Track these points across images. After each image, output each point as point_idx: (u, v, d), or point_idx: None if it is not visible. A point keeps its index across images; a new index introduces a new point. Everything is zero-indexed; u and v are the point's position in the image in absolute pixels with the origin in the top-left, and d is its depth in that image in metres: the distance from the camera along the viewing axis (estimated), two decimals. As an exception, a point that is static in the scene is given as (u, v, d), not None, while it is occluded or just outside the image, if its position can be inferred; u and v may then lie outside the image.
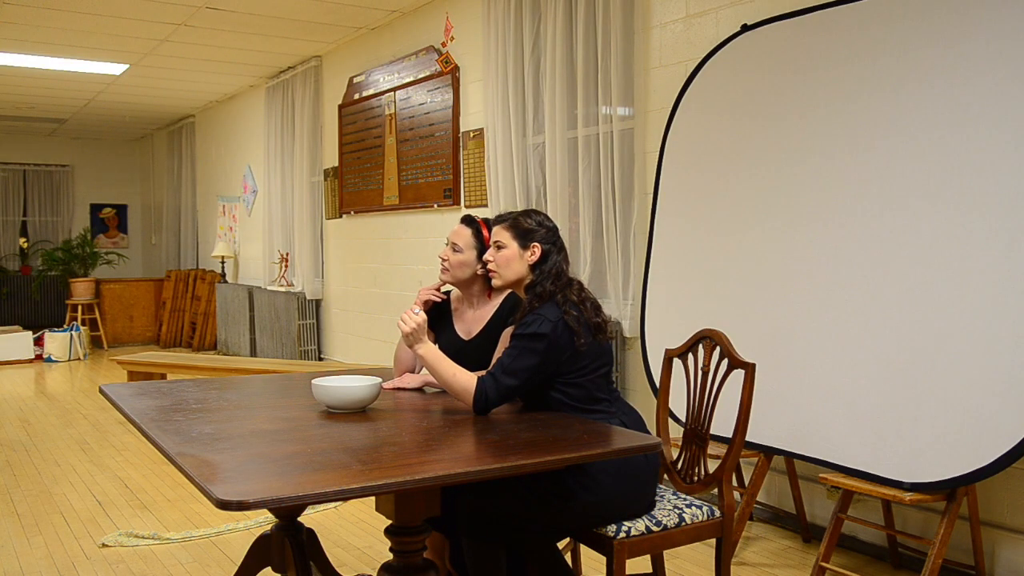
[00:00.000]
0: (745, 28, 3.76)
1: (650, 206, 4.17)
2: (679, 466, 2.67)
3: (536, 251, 2.47)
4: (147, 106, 10.55)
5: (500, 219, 2.58)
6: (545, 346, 2.31)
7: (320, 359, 7.99)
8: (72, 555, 3.61)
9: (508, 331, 2.61)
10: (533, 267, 2.48)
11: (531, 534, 2.37)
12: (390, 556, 2.25)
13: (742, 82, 3.75)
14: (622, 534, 2.28)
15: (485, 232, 2.75)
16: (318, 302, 8.09)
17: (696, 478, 2.61)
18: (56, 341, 9.83)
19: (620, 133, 4.54)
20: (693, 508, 2.45)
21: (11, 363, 9.53)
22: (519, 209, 5.16)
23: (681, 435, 2.71)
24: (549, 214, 4.92)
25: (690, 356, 2.70)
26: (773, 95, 3.57)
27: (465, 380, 2.33)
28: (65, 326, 10.45)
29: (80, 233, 12.67)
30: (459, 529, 2.34)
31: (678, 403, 2.87)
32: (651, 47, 4.40)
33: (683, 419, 2.74)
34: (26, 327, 10.21)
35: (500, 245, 2.50)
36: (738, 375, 2.52)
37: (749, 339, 3.02)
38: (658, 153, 4.12)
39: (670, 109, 4.08)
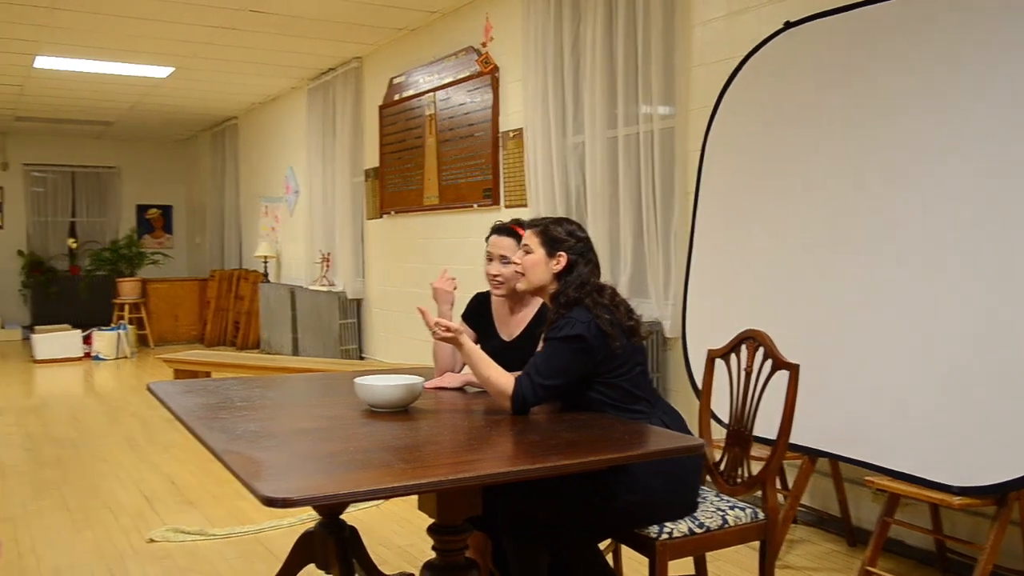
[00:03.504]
0: (788, 25, 3.72)
1: (691, 205, 4.14)
2: (721, 467, 2.65)
3: (562, 260, 2.47)
4: (191, 108, 10.71)
5: (533, 223, 2.59)
6: (579, 348, 2.32)
7: (361, 358, 8.05)
8: (120, 549, 3.67)
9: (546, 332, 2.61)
10: (558, 276, 2.48)
11: (573, 535, 2.37)
12: (432, 554, 2.26)
13: (785, 80, 3.71)
14: (664, 535, 2.27)
15: (521, 231, 2.76)
16: (359, 302, 8.15)
17: (739, 480, 2.59)
18: (104, 339, 10.02)
19: (661, 132, 4.52)
20: (736, 510, 2.43)
21: (61, 361, 9.73)
22: (559, 209, 5.18)
23: (723, 436, 2.69)
24: (589, 214, 4.95)
25: (733, 357, 2.67)
26: (817, 93, 3.53)
27: (503, 380, 2.34)
28: (112, 325, 10.65)
29: (127, 233, 12.91)
30: (501, 529, 2.35)
31: (720, 404, 2.85)
32: (692, 45, 4.37)
33: (725, 420, 2.72)
34: (75, 326, 10.42)
35: (528, 249, 2.52)
36: (782, 376, 2.49)
37: (792, 340, 2.98)
38: (699, 152, 4.10)
39: (711, 108, 4.05)
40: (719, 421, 3.15)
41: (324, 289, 8.49)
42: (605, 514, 2.29)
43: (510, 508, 2.30)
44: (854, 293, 3.26)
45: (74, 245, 12.88)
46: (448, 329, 2.41)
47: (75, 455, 5.41)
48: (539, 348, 2.47)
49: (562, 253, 2.48)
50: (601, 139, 4.86)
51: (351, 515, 3.96)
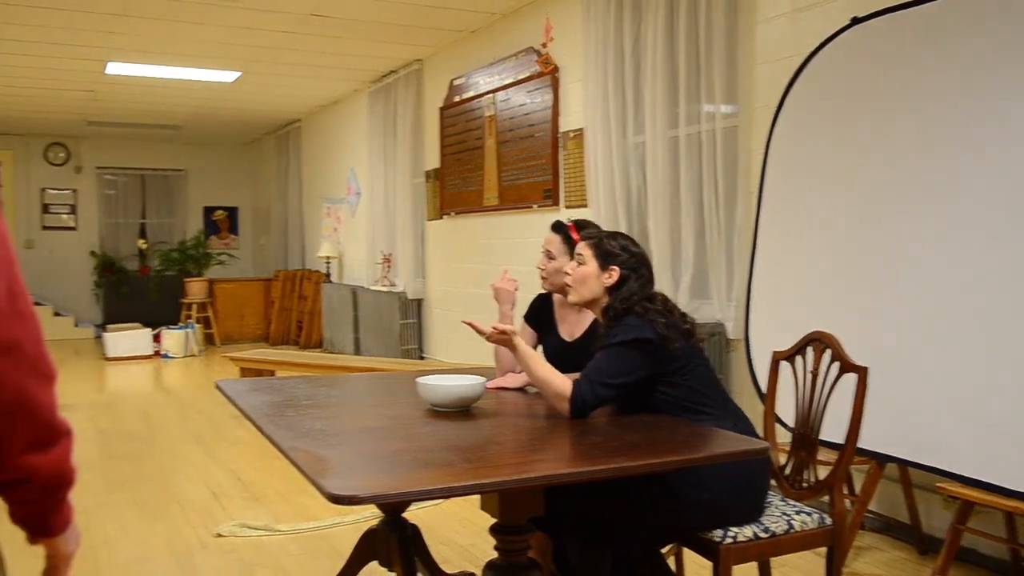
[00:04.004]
0: (855, 21, 3.65)
1: (755, 205, 4.08)
2: (787, 471, 2.62)
3: (614, 274, 2.46)
4: (256, 112, 10.92)
5: (588, 235, 2.58)
6: (638, 350, 2.31)
7: (421, 358, 8.12)
8: (189, 543, 3.77)
9: None
10: (609, 290, 2.47)
11: (636, 536, 2.36)
12: (492, 554, 2.27)
13: (852, 77, 3.64)
14: (728, 539, 2.24)
15: (575, 235, 2.76)
16: (419, 302, 8.22)
17: (805, 484, 2.55)
18: (173, 338, 10.27)
19: (723, 131, 4.47)
20: (802, 515, 2.39)
21: (132, 359, 10.00)
22: (619, 209, 5.16)
23: (788, 440, 2.65)
24: (650, 214, 4.92)
25: (799, 359, 2.63)
26: (885, 90, 3.45)
27: (560, 382, 2.33)
28: (181, 324, 10.91)
29: (194, 235, 13.23)
30: (564, 530, 2.35)
31: (784, 407, 2.81)
32: (756, 43, 4.32)
33: (790, 423, 2.68)
34: (145, 324, 10.70)
35: (580, 261, 2.51)
36: (849, 379, 2.45)
37: (860, 341, 2.92)
38: (763, 151, 4.04)
39: (776, 106, 3.99)
40: (783, 424, 3.10)
41: (385, 289, 8.58)
42: (669, 516, 2.27)
43: (573, 509, 2.30)
44: (925, 294, 3.18)
45: (144, 246, 13.22)
46: (502, 332, 2.42)
47: (145, 450, 5.56)
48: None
49: (615, 267, 2.46)
50: (662, 139, 4.83)
51: (412, 513, 3.99)
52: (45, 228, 12.71)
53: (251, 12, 6.34)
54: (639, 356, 2.31)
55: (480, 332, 2.49)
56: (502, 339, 2.45)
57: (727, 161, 4.45)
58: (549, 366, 2.41)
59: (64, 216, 12.88)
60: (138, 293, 12.66)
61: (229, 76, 8.58)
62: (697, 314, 4.53)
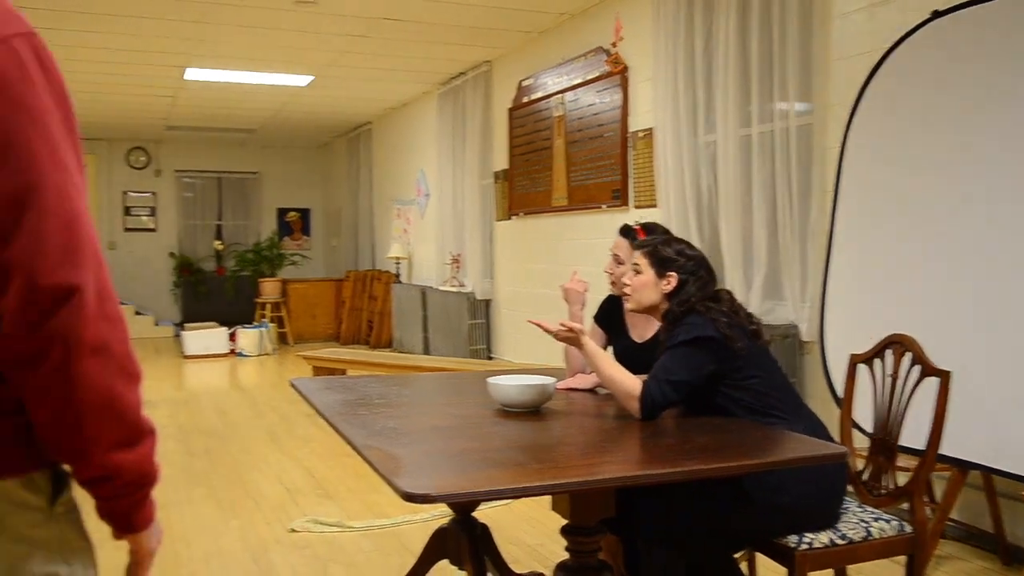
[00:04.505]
0: (936, 14, 3.54)
1: (830, 204, 4.00)
2: (864, 477, 2.55)
3: (672, 281, 2.45)
4: (329, 115, 11.11)
5: (642, 244, 2.57)
6: (701, 347, 2.29)
7: (489, 358, 8.15)
8: (264, 539, 3.85)
9: None
10: (669, 296, 2.45)
11: (709, 541, 2.33)
12: (562, 555, 2.27)
13: (932, 73, 3.53)
14: (804, 545, 2.20)
15: (643, 234, 2.75)
16: (488, 302, 8.26)
17: (883, 491, 2.48)
18: (247, 337, 10.51)
19: (797, 129, 4.38)
20: (880, 522, 2.33)
21: (208, 357, 10.27)
22: (690, 209, 5.10)
23: (866, 445, 2.59)
24: (721, 214, 4.85)
25: (877, 362, 2.57)
26: (967, 86, 3.34)
27: (629, 382, 2.32)
28: (255, 323, 11.16)
29: (268, 236, 13.52)
30: (635, 533, 2.33)
31: (862, 411, 2.74)
32: (831, 39, 4.22)
33: (868, 428, 2.62)
34: (221, 323, 10.98)
35: (637, 269, 2.50)
36: (930, 383, 2.38)
37: (941, 344, 2.84)
38: (839, 149, 3.95)
39: (852, 103, 3.90)
40: (860, 429, 3.03)
41: (454, 290, 8.64)
42: (744, 521, 2.24)
43: (645, 512, 2.28)
44: (1010, 294, 3.07)
45: (220, 247, 13.55)
46: (570, 330, 2.42)
47: (222, 446, 5.70)
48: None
49: (672, 273, 2.45)
50: (734, 137, 4.76)
51: (482, 512, 4.00)
52: (127, 230, 13.12)
53: (324, 17, 6.45)
54: (703, 354, 2.30)
55: (547, 331, 2.49)
56: (570, 337, 2.45)
57: (801, 160, 4.37)
58: (618, 365, 2.40)
59: (144, 218, 13.28)
60: (215, 293, 12.99)
61: (303, 80, 8.75)
62: (770, 315, 4.46)
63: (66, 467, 1.07)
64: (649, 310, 2.51)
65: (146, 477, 1.10)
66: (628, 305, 2.55)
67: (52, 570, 1.04)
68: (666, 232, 2.81)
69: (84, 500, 1.09)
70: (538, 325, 2.51)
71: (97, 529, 1.12)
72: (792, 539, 2.21)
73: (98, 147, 12.74)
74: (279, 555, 3.64)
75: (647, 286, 2.48)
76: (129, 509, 1.11)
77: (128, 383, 1.04)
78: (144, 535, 1.15)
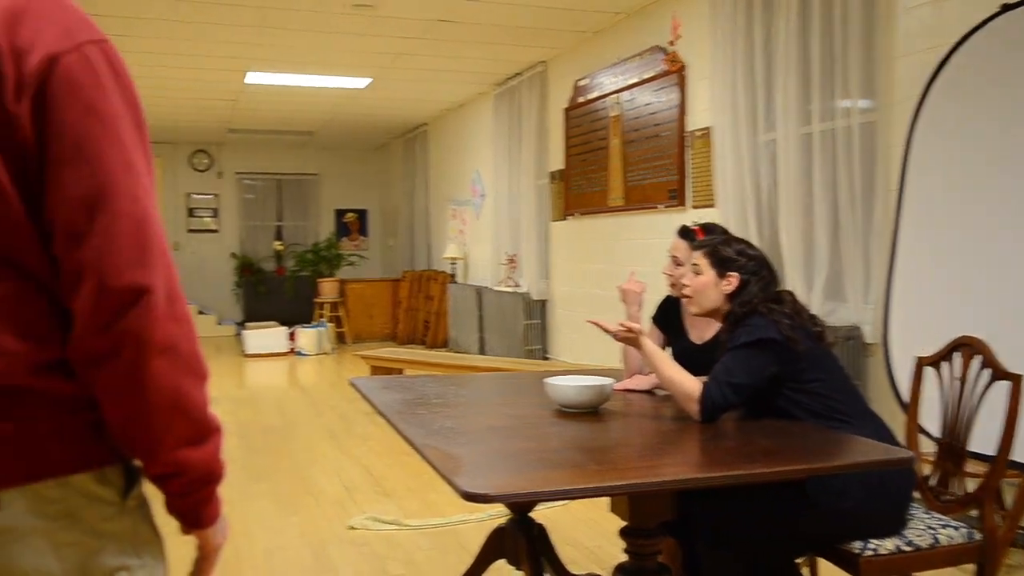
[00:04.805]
0: (1005, 8, 3.43)
1: (894, 204, 3.91)
2: (931, 483, 2.49)
3: (733, 281, 2.41)
4: (386, 116, 11.22)
5: (701, 244, 2.54)
6: (763, 349, 2.26)
7: (545, 359, 8.14)
8: (323, 535, 3.90)
9: None
10: (730, 296, 2.42)
11: (771, 545, 2.29)
12: (619, 557, 2.26)
13: (1001, 68, 3.43)
14: (869, 551, 2.15)
15: (701, 234, 2.72)
16: (543, 303, 8.25)
17: (951, 497, 2.42)
18: (306, 336, 10.67)
19: (860, 127, 4.29)
20: (948, 529, 2.27)
21: (269, 355, 10.44)
22: (749, 209, 5.03)
23: (932, 450, 2.52)
24: (781, 213, 4.77)
25: (944, 365, 2.50)
26: (1040, 79, 3.24)
27: (689, 383, 2.29)
28: (314, 322, 11.32)
29: (327, 236, 13.71)
30: (695, 537, 2.30)
31: (928, 415, 2.67)
32: (895, 34, 4.13)
33: (935, 433, 2.55)
34: (281, 323, 11.16)
35: (697, 271, 2.46)
36: (1001, 387, 2.31)
37: (1012, 347, 2.76)
38: (903, 147, 3.86)
39: (917, 100, 3.80)
40: (926, 434, 2.95)
41: (509, 290, 8.65)
42: (807, 525, 2.20)
43: (704, 515, 2.26)
44: (1085, 297, 2.97)
45: (280, 247, 13.77)
46: (629, 330, 2.41)
47: (282, 444, 5.79)
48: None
49: (733, 273, 2.41)
50: (794, 136, 4.68)
51: (539, 513, 4.00)
52: (190, 231, 13.41)
53: (382, 19, 6.51)
54: (764, 356, 2.26)
55: (606, 331, 2.48)
56: (629, 337, 2.43)
57: (864, 158, 4.28)
58: (678, 366, 2.37)
59: (207, 219, 13.56)
60: (275, 293, 13.20)
61: (361, 83, 8.85)
62: (832, 316, 4.38)
63: (137, 462, 1.09)
64: (710, 312, 2.48)
65: (212, 474, 1.12)
66: (689, 308, 2.52)
67: (124, 562, 1.06)
68: (725, 232, 2.77)
69: (154, 495, 1.12)
70: (597, 325, 2.50)
71: (163, 523, 1.15)
72: (856, 545, 2.16)
73: (162, 150, 13.04)
74: (338, 552, 3.69)
75: (708, 287, 2.45)
76: (196, 505, 1.13)
77: (195, 382, 1.07)
78: (210, 531, 1.17)
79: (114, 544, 1.05)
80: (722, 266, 2.43)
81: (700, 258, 2.48)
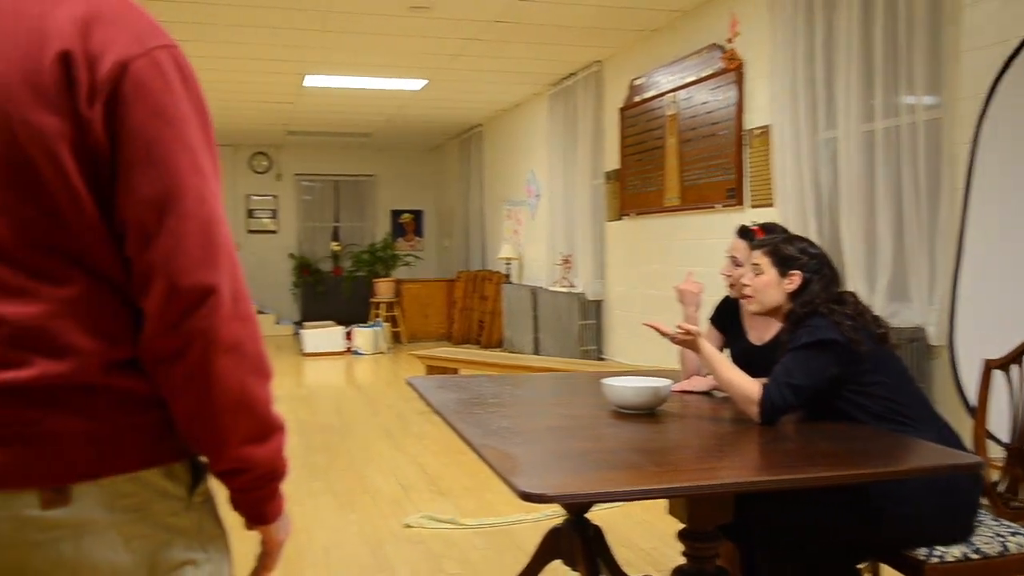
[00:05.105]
0: (1080, -1, 3.33)
1: (960, 202, 3.81)
2: (1000, 490, 2.42)
3: (795, 279, 2.37)
4: (441, 118, 11.29)
5: (762, 243, 2.50)
6: (825, 350, 2.22)
7: (600, 359, 8.11)
8: (380, 533, 3.93)
9: None
10: (792, 295, 2.37)
11: (832, 551, 2.25)
12: (676, 560, 2.24)
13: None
14: (935, 559, 2.10)
15: (761, 233, 2.69)
16: (599, 303, 8.22)
17: (1021, 504, 2.35)
18: (363, 336, 10.79)
19: (925, 124, 4.20)
20: (1019, 537, 2.20)
21: (326, 355, 10.58)
22: (808, 208, 4.95)
23: (1001, 456, 2.45)
24: (842, 212, 4.69)
25: (1014, 367, 2.43)
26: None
27: (748, 384, 2.26)
28: (370, 322, 11.44)
29: (383, 237, 13.84)
30: (754, 541, 2.28)
31: (996, 420, 2.60)
32: (962, 28, 4.02)
33: (1003, 438, 2.48)
34: (338, 322, 11.30)
35: (758, 270, 2.43)
36: (1075, 391, 2.24)
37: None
38: (970, 145, 3.76)
39: (984, 96, 3.70)
40: (994, 438, 2.87)
41: (564, 290, 8.64)
42: (870, 531, 2.15)
43: (764, 519, 2.23)
44: None
45: (337, 248, 13.94)
46: (687, 332, 2.38)
47: (339, 442, 5.86)
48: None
49: (795, 272, 2.38)
50: (856, 133, 4.59)
51: (594, 514, 4.00)
52: (250, 232, 13.65)
53: (438, 21, 6.55)
54: (825, 357, 2.22)
55: (664, 333, 2.46)
56: (687, 339, 2.41)
57: (929, 156, 4.18)
58: (736, 368, 2.34)
59: (266, 220, 13.79)
60: (332, 293, 13.36)
61: (417, 84, 8.92)
62: (896, 318, 4.28)
63: (203, 459, 1.12)
64: (772, 312, 2.44)
65: (276, 471, 1.14)
66: (750, 307, 2.49)
67: (191, 556, 1.09)
68: (785, 231, 2.73)
69: (218, 491, 1.14)
70: (654, 328, 2.48)
71: (227, 519, 1.17)
72: (922, 552, 2.11)
73: (223, 153, 13.11)
74: (395, 549, 3.72)
75: (769, 286, 2.41)
76: (260, 501, 1.15)
77: (260, 380, 1.08)
78: (274, 527, 1.19)
79: (182, 538, 1.08)
80: (784, 264, 2.40)
81: (761, 257, 2.45)
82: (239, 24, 6.53)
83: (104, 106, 0.98)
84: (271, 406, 1.11)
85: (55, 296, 0.99)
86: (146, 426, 1.05)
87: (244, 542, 1.27)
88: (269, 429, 1.11)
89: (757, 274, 2.44)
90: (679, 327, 2.42)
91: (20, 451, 0.98)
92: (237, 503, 1.14)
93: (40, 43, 0.97)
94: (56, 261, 0.99)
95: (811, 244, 2.46)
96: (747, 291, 2.47)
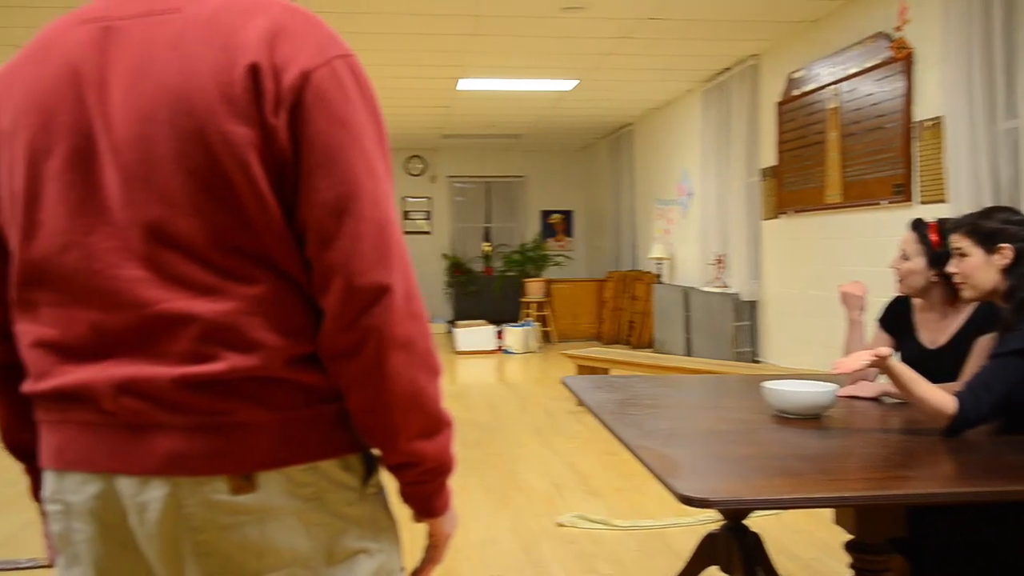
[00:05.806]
0: None
1: None
2: None
3: (1007, 253, 2.17)
4: (591, 117, 11.28)
5: (958, 224, 2.32)
6: None
7: (755, 361, 7.89)
8: (532, 530, 3.97)
9: (982, 340, 2.35)
10: (1008, 271, 2.18)
11: (1012, 572, 2.10)
12: (838, 571, 2.15)
13: None
14: None
15: (933, 235, 2.52)
16: (754, 303, 8.00)
17: None
18: (513, 335, 10.92)
19: (1122, 110, 3.85)
20: None
21: (478, 353, 10.78)
22: (985, 203, 4.64)
23: None
24: (1023, 208, 4.37)
25: None
26: None
27: (940, 397, 2.08)
28: (521, 321, 11.56)
29: (533, 237, 13.97)
30: (929, 557, 2.15)
31: None
32: None
33: None
34: (489, 321, 11.49)
35: (962, 253, 2.24)
36: None
37: None
38: None
39: None
40: None
41: (717, 290, 8.45)
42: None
43: (940, 534, 2.10)
44: None
45: (488, 248, 14.17)
46: (878, 356, 2.21)
47: (492, 439, 5.95)
48: (978, 350, 2.22)
49: (1004, 244, 2.18)
50: (1041, 123, 4.27)
51: (750, 521, 3.90)
52: (405, 233, 13.84)
53: (590, 20, 6.55)
54: None
55: (856, 370, 2.25)
56: (878, 363, 2.23)
57: None
58: (929, 384, 2.11)
59: (421, 221, 14.19)
60: (483, 292, 13.60)
61: (568, 84, 8.94)
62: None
63: (375, 451, 1.16)
64: (989, 294, 2.24)
65: (444, 466, 1.17)
66: (965, 294, 2.29)
67: (364, 546, 1.13)
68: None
69: (388, 483, 1.18)
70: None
71: (396, 511, 1.21)
72: (1121, 577, 1.94)
73: (381, 156, 13.75)
74: (547, 547, 3.75)
75: (978, 268, 2.22)
76: (429, 495, 1.19)
77: (430, 377, 1.12)
78: (441, 520, 1.23)
79: (356, 528, 1.12)
80: (989, 241, 2.20)
81: (961, 239, 2.25)
82: (396, 32, 6.75)
83: (288, 114, 1.04)
84: (440, 402, 1.14)
85: (244, 294, 1.05)
86: (325, 419, 1.10)
87: (412, 534, 1.31)
88: (438, 424, 1.14)
89: (962, 257, 2.25)
90: (873, 355, 2.21)
91: (211, 440, 1.05)
92: (407, 496, 1.18)
93: (232, 56, 1.04)
94: (245, 261, 1.05)
95: (1013, 211, 2.26)
96: (956, 279, 2.29)
